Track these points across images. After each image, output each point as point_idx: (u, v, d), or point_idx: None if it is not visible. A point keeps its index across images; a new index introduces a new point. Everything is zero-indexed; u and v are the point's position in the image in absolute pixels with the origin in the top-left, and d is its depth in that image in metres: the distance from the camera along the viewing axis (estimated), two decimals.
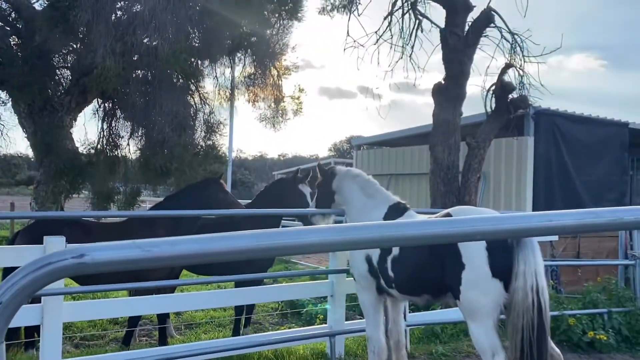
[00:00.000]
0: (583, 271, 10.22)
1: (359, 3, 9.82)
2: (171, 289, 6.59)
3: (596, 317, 6.67)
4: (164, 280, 6.15)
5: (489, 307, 3.65)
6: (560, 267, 9.79)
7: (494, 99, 9.14)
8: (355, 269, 4.80)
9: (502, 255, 3.60)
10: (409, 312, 6.17)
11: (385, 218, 4.63)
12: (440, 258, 3.88)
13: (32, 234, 5.71)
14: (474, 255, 3.68)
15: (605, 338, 6.22)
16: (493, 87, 9.12)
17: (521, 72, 9.13)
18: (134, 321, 6.28)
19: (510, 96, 9.05)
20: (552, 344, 3.80)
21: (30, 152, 9.28)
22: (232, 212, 6.29)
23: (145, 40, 7.58)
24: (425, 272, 4.05)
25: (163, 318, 6.42)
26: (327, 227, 1.06)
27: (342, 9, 9.85)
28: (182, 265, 6.41)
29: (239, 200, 7.29)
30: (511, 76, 9.15)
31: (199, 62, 8.98)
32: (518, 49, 9.07)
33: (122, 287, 6.12)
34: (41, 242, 4.86)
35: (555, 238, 8.48)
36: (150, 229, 5.99)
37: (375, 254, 4.49)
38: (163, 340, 6.25)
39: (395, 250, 4.30)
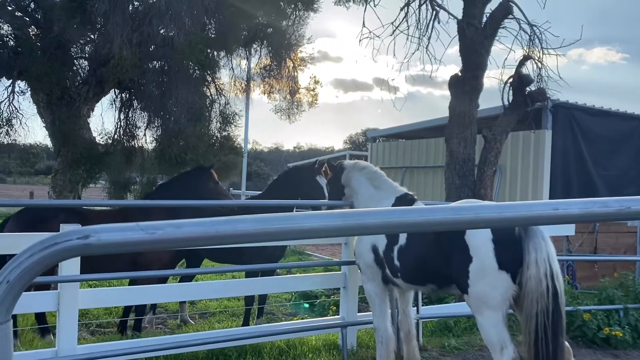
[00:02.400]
0: (600, 267, 10.10)
1: None
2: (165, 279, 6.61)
3: (612, 313, 6.60)
4: (173, 269, 6.23)
5: (497, 300, 3.62)
6: (577, 262, 9.68)
7: (511, 92, 9.02)
8: (361, 258, 4.83)
9: (509, 247, 3.58)
10: (422, 305, 6.17)
11: None
12: (446, 249, 3.87)
13: (24, 218, 5.79)
14: (481, 248, 3.65)
15: (620, 334, 6.16)
16: (511, 80, 9.00)
17: (540, 65, 8.98)
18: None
19: (528, 89, 8.93)
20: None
21: (48, 142, 9.39)
22: (242, 203, 6.33)
23: (161, 31, 7.60)
24: (431, 262, 4.06)
25: (142, 309, 6.48)
26: (331, 212, 1.07)
27: (359, 0, 9.79)
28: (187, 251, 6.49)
29: (252, 191, 7.32)
30: (529, 69, 9.01)
31: (215, 53, 8.99)
32: (537, 40, 8.93)
33: (141, 274, 6.23)
34: (33, 228, 5.14)
35: (571, 233, 8.38)
36: (146, 217, 6.06)
37: (381, 243, 4.53)
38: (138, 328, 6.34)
39: (402, 240, 4.33)
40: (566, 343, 3.86)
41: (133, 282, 6.18)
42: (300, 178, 6.81)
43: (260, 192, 8.38)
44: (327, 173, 5.72)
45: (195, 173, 6.65)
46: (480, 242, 3.66)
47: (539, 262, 3.47)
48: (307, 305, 5.88)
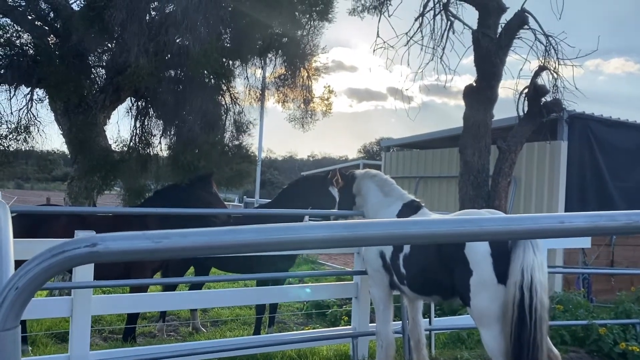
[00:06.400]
0: (617, 280, 9.96)
1: (390, 4, 9.78)
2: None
3: (629, 327, 6.49)
4: (185, 277, 6.23)
5: (497, 313, 3.66)
6: (593, 275, 9.56)
7: (526, 102, 8.97)
8: (369, 264, 4.92)
9: (507, 261, 3.60)
10: (435, 317, 6.12)
11: (398, 215, 4.73)
12: (448, 262, 3.92)
13: (27, 220, 5.86)
14: (480, 262, 3.70)
15: (637, 349, 6.05)
16: (526, 90, 8.96)
17: (555, 75, 8.94)
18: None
19: (543, 99, 8.88)
20: (550, 344, 3.79)
21: (65, 149, 9.49)
22: (252, 212, 6.34)
23: (177, 40, 7.68)
24: (434, 274, 4.12)
25: (134, 318, 6.46)
26: (336, 222, 1.07)
27: (373, 10, 9.82)
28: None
29: (265, 199, 7.32)
30: (545, 79, 8.97)
31: (230, 62, 9.06)
32: (552, 51, 8.88)
33: (152, 282, 6.29)
34: (32, 230, 5.29)
35: (587, 245, 8.28)
36: (141, 222, 6.18)
37: (388, 250, 4.61)
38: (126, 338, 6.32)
39: (407, 249, 4.39)
40: (555, 350, 3.88)
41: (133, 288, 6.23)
42: (313, 189, 6.75)
43: (269, 200, 8.38)
44: (338, 182, 5.77)
45: (191, 182, 6.73)
46: (480, 256, 3.70)
47: (513, 273, 3.53)
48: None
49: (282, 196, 7.21)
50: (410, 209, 4.77)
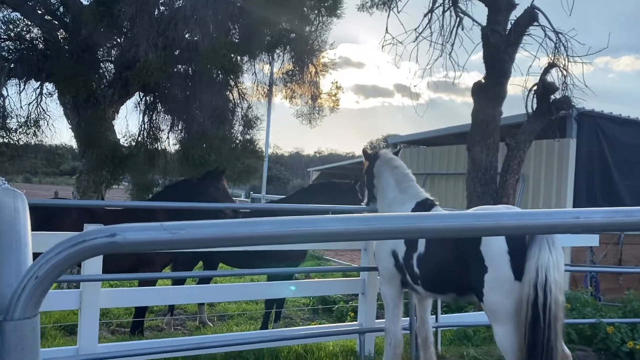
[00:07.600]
0: (625, 279, 9.91)
1: (399, 0, 9.75)
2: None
3: (637, 326, 6.45)
4: (194, 272, 6.24)
5: (512, 310, 3.62)
6: (601, 273, 9.52)
7: (535, 99, 8.92)
8: (380, 262, 4.88)
9: (524, 257, 3.57)
10: (441, 314, 6.12)
11: None
12: (464, 258, 3.88)
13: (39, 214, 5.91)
14: (496, 258, 3.66)
15: None
16: (535, 87, 8.91)
17: (565, 73, 8.87)
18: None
19: (552, 97, 8.82)
20: (562, 344, 3.76)
21: (74, 143, 9.56)
22: (258, 207, 6.35)
23: (186, 35, 7.72)
24: (450, 271, 4.07)
25: (142, 311, 6.47)
26: (351, 216, 1.08)
27: (382, 6, 9.78)
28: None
29: (272, 195, 7.32)
30: (554, 76, 8.90)
31: (239, 57, 9.08)
32: (562, 48, 8.82)
33: (160, 275, 6.31)
34: (42, 224, 5.33)
35: (595, 243, 8.24)
36: (151, 217, 6.19)
37: (401, 249, 4.55)
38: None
39: (421, 248, 4.35)
40: (567, 350, 3.86)
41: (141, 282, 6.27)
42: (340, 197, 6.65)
43: (283, 196, 8.37)
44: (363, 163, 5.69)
45: (201, 178, 6.74)
46: (496, 253, 3.67)
47: (528, 271, 3.50)
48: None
49: (308, 197, 7.11)
50: (423, 207, 4.72)
